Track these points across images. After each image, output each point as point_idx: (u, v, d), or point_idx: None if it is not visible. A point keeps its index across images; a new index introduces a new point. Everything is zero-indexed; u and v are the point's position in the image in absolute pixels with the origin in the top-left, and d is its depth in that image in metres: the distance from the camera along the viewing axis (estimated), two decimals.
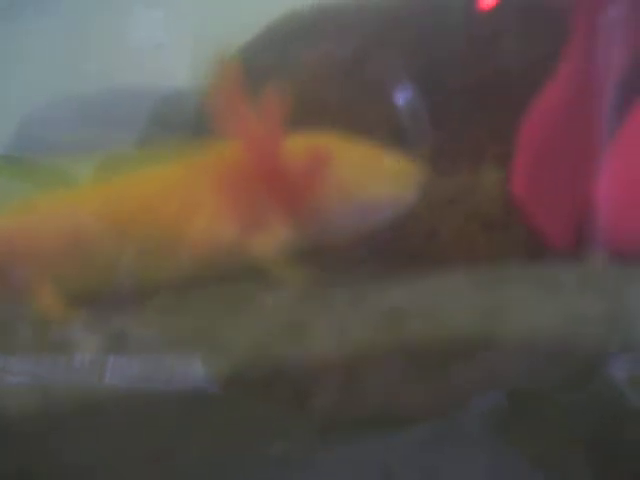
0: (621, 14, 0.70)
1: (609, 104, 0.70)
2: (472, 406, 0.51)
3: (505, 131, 0.76)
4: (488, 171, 0.76)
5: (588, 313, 0.51)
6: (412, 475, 0.49)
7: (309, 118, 0.78)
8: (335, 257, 0.69)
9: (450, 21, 0.81)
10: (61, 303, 0.58)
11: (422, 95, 0.78)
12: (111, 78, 1.08)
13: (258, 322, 0.52)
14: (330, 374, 0.47)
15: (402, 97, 0.79)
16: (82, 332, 0.52)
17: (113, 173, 0.63)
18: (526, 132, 0.73)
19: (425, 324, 0.49)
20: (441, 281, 0.60)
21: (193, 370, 0.46)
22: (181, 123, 0.88)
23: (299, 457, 0.46)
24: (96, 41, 1.07)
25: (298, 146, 0.64)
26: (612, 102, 0.70)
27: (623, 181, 0.69)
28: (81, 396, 0.45)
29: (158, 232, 0.60)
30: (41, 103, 1.05)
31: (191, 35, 1.08)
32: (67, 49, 1.06)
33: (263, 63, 0.82)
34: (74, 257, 0.59)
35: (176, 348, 0.49)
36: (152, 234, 0.60)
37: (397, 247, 0.75)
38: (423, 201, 0.76)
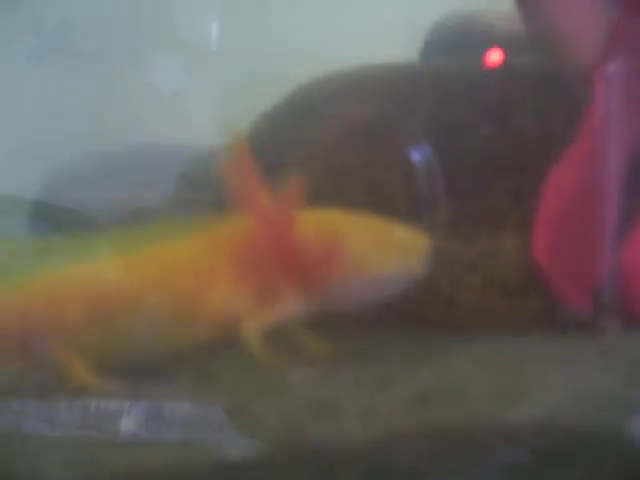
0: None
1: (629, 171, 0.72)
2: None
3: (525, 196, 0.78)
4: (508, 237, 0.78)
5: (606, 392, 0.53)
6: None
7: (331, 183, 0.81)
8: (355, 324, 0.71)
9: (468, 86, 0.84)
10: (95, 374, 0.60)
11: (441, 160, 0.80)
12: (130, 127, 1.11)
13: (289, 401, 0.54)
14: (358, 455, 0.48)
15: (420, 162, 0.81)
16: (121, 404, 0.54)
17: (132, 245, 0.66)
18: (546, 198, 0.75)
19: (448, 409, 0.51)
20: (463, 360, 0.61)
21: (226, 446, 0.48)
22: (211, 183, 0.91)
23: None
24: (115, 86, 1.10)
25: (310, 224, 0.67)
26: (632, 169, 0.72)
27: None
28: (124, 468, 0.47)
29: (175, 303, 0.63)
30: (68, 158, 1.08)
31: (214, 85, 1.11)
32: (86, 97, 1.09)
33: (286, 129, 0.85)
34: (95, 328, 0.62)
35: (210, 425, 0.51)
36: (170, 305, 0.63)
37: (417, 313, 0.77)
38: (443, 267, 0.79)
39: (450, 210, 0.80)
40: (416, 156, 0.82)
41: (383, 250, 0.67)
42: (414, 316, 0.77)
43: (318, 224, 0.67)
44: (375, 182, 0.81)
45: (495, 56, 0.90)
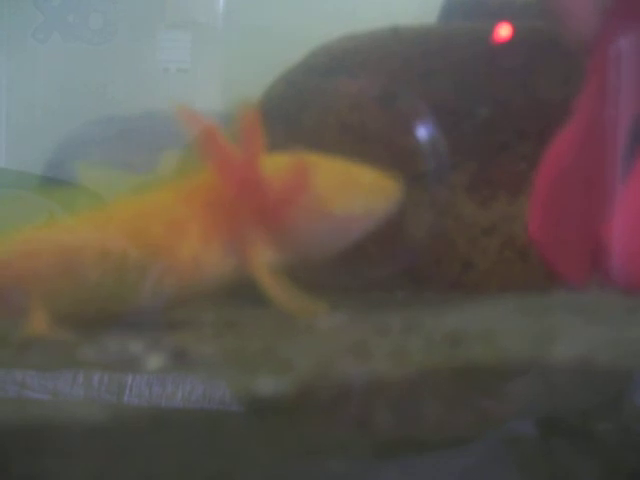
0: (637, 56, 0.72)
1: (622, 146, 0.72)
2: (505, 431, 0.52)
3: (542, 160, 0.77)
4: (525, 201, 0.78)
5: (629, 339, 0.53)
6: None
7: (347, 146, 0.81)
8: (369, 283, 0.71)
9: (487, 49, 0.84)
10: (49, 323, 0.61)
11: (460, 123, 0.80)
12: (135, 100, 1.10)
13: (318, 343, 0.54)
14: (391, 394, 0.48)
15: (435, 126, 0.81)
16: (143, 350, 0.53)
17: (108, 199, 0.68)
18: (541, 173, 0.74)
19: (482, 348, 0.50)
20: (489, 308, 0.61)
21: (256, 388, 0.47)
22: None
23: (358, 474, 0.47)
24: (121, 63, 1.09)
25: (276, 165, 0.67)
26: (625, 144, 0.72)
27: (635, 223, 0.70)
28: (147, 413, 0.47)
29: (147, 255, 0.64)
30: (77, 123, 1.07)
31: (220, 61, 1.10)
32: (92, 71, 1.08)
33: (302, 93, 0.84)
34: (68, 279, 0.63)
35: (238, 367, 0.51)
36: (142, 257, 0.63)
37: (434, 276, 0.77)
38: (460, 230, 0.78)
39: (467, 174, 0.80)
40: (432, 120, 0.82)
41: (348, 190, 0.68)
42: (431, 279, 0.77)
43: (285, 165, 0.67)
44: (390, 144, 0.81)
45: (506, 28, 0.90)
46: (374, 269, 0.75)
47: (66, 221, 0.67)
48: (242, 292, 0.65)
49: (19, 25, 1.08)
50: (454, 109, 0.81)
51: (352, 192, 0.67)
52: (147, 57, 1.10)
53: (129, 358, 0.52)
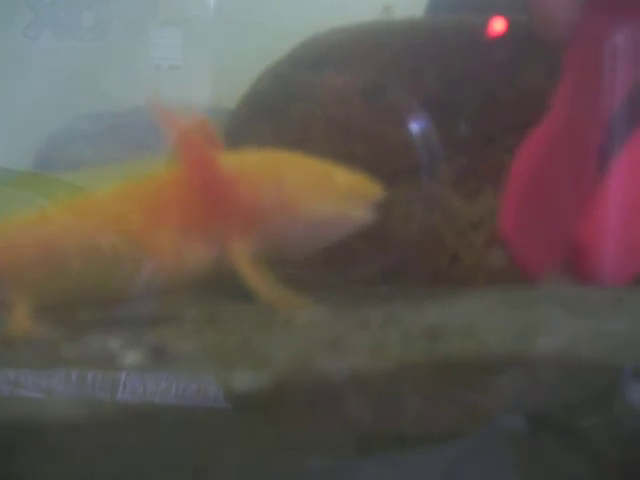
0: (615, 52, 0.71)
1: (599, 143, 0.71)
2: (494, 426, 0.52)
3: None
4: None
5: (614, 331, 0.53)
6: None
7: (334, 139, 0.80)
8: (355, 278, 0.70)
9: (472, 42, 0.84)
10: (32, 318, 0.61)
11: (446, 116, 0.80)
12: (127, 97, 1.10)
13: (296, 338, 0.54)
14: (369, 389, 0.48)
15: (420, 119, 0.81)
16: (121, 346, 0.53)
17: (87, 189, 0.68)
18: (515, 168, 0.74)
19: (462, 342, 0.50)
20: (472, 301, 0.61)
21: (234, 383, 0.47)
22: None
23: (337, 470, 0.47)
24: (114, 60, 1.09)
25: (248, 165, 0.67)
26: (601, 141, 0.71)
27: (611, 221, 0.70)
28: (125, 409, 0.46)
29: (126, 244, 0.64)
30: (68, 118, 1.07)
31: (207, 57, 1.10)
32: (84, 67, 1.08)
33: (288, 86, 0.84)
34: (47, 269, 0.63)
35: (216, 362, 0.50)
36: (121, 245, 0.64)
37: (419, 269, 0.77)
38: (446, 224, 0.78)
39: (454, 167, 0.80)
40: (417, 113, 0.81)
41: (321, 191, 0.67)
42: (418, 273, 0.77)
43: (257, 164, 0.67)
44: (376, 138, 0.81)
45: (499, 21, 0.89)
46: (360, 264, 0.75)
47: (46, 211, 0.67)
48: (224, 286, 0.64)
49: (9, 22, 1.08)
50: (440, 102, 0.80)
51: (325, 193, 0.66)
52: (139, 54, 1.10)
53: (108, 355, 0.52)
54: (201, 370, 0.48)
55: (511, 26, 0.87)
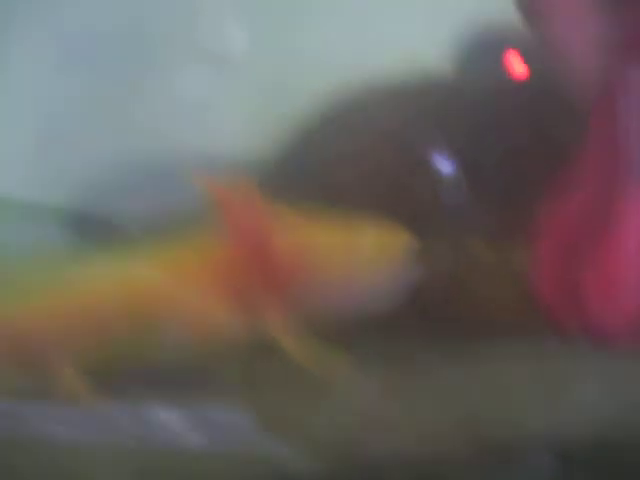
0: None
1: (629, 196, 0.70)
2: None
3: None
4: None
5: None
6: None
7: (365, 195, 0.83)
8: (378, 323, 0.72)
9: (500, 97, 0.85)
10: (84, 383, 0.64)
11: (477, 170, 0.82)
12: (154, 138, 1.12)
13: (341, 413, 0.56)
14: (413, 467, 0.50)
15: (450, 176, 0.83)
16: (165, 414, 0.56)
17: (127, 258, 0.71)
18: (547, 228, 0.74)
19: (498, 424, 0.52)
20: (506, 368, 0.63)
21: (280, 458, 0.49)
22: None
23: None
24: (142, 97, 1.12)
25: (278, 229, 0.69)
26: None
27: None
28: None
29: (162, 313, 0.66)
30: (106, 166, 1.10)
31: (239, 95, 1.13)
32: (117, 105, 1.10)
33: (323, 133, 0.87)
34: (91, 337, 0.66)
35: (263, 435, 0.53)
36: (156, 315, 0.66)
37: (444, 314, 0.79)
38: (471, 271, 0.80)
39: (485, 220, 0.82)
40: (446, 167, 0.83)
41: (354, 253, 0.68)
42: (447, 322, 0.79)
43: (287, 228, 0.69)
44: (407, 192, 0.83)
45: (520, 68, 0.91)
46: (394, 315, 0.77)
47: (91, 279, 0.69)
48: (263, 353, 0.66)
49: (35, 58, 1.11)
50: (469, 156, 0.83)
51: (359, 254, 0.67)
52: (170, 91, 1.12)
53: (163, 430, 0.54)
54: (248, 445, 0.50)
55: (537, 75, 0.89)
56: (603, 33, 0.72)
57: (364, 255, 0.68)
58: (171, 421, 0.56)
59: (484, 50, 1.01)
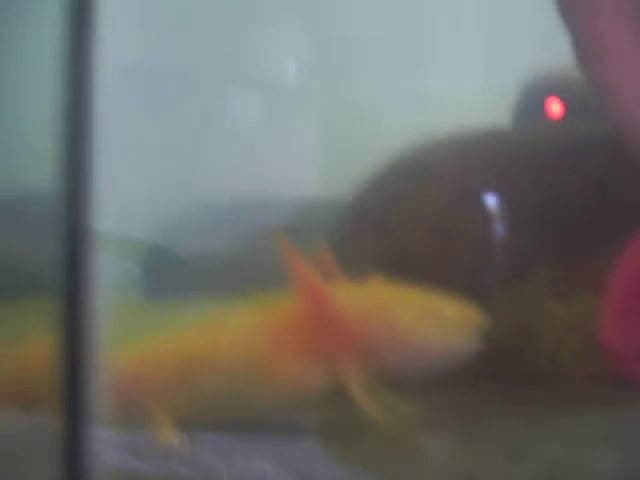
0: None
1: None
2: None
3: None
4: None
5: None
6: None
7: (436, 249, 0.86)
8: (453, 381, 0.75)
9: (565, 150, 0.88)
10: (175, 430, 0.69)
11: (543, 223, 0.85)
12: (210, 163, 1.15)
13: (431, 473, 0.59)
14: None
15: (518, 229, 0.86)
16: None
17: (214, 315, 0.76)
18: (616, 278, 0.76)
19: (573, 474, 0.55)
20: (582, 427, 0.65)
21: None
22: (315, 234, 0.96)
23: None
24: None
25: (360, 295, 0.74)
26: None
27: None
28: None
29: (249, 369, 0.72)
30: (178, 211, 1.14)
31: (294, 124, 1.15)
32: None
33: (390, 197, 0.90)
34: (184, 386, 0.72)
35: None
36: (244, 371, 0.72)
37: (519, 369, 0.82)
38: (546, 326, 0.83)
39: (550, 273, 0.85)
40: (514, 221, 0.86)
41: (429, 324, 0.72)
42: (516, 374, 0.81)
43: (369, 295, 0.73)
44: (476, 244, 0.86)
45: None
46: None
47: (183, 333, 0.75)
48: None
49: None
50: (536, 210, 0.86)
51: (433, 325, 0.72)
52: (219, 119, 1.16)
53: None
54: None
55: (603, 130, 0.91)
56: None
57: (442, 325, 0.72)
58: (264, 470, 0.59)
59: (542, 100, 1.04)
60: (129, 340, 0.72)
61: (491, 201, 0.87)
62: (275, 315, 0.74)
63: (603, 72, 0.73)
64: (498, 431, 0.66)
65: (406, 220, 0.88)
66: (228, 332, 0.74)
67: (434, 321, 0.72)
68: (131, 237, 1.03)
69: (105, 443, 0.58)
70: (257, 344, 0.72)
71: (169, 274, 1.05)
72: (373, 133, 1.11)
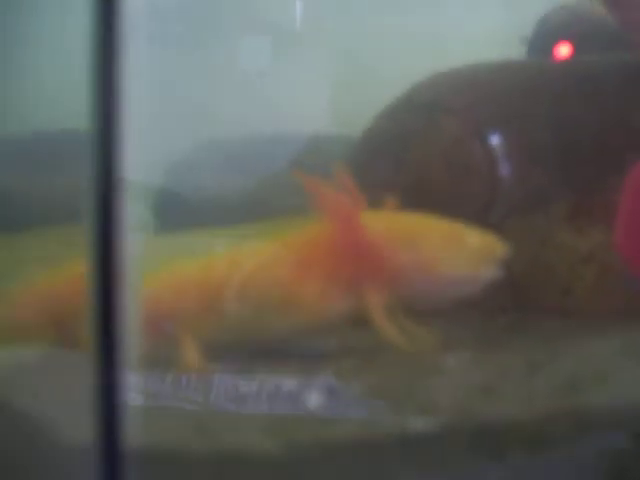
0: None
1: None
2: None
3: None
4: None
5: None
6: None
7: (451, 182, 0.87)
8: (470, 311, 0.77)
9: (581, 81, 0.88)
10: (201, 355, 0.70)
11: (560, 155, 0.85)
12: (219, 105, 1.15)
13: (451, 383, 0.61)
14: (519, 432, 0.55)
15: (532, 162, 0.86)
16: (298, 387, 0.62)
17: (239, 242, 0.77)
18: (629, 182, 0.76)
19: (598, 394, 0.57)
20: (600, 346, 0.67)
21: (401, 423, 0.55)
22: (323, 168, 0.96)
23: None
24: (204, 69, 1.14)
25: (388, 224, 0.74)
26: None
27: None
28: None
29: (274, 294, 0.72)
30: (188, 147, 1.14)
31: (298, 65, 1.15)
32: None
33: (405, 130, 0.91)
34: (209, 313, 0.72)
35: (382, 404, 0.58)
36: (269, 296, 0.72)
37: (533, 301, 0.83)
38: (559, 258, 0.84)
39: (565, 204, 0.85)
40: (530, 153, 0.87)
41: (453, 253, 0.73)
42: (529, 304, 0.83)
43: (395, 225, 0.74)
44: (491, 178, 0.87)
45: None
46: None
47: (210, 259, 0.76)
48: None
49: None
50: (552, 142, 0.86)
51: (458, 254, 0.73)
52: (227, 62, 1.15)
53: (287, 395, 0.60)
54: (373, 411, 0.56)
55: (620, 63, 0.91)
56: None
57: (465, 256, 0.73)
58: (292, 387, 0.61)
59: (555, 36, 1.03)
60: (155, 269, 0.73)
61: (505, 133, 0.87)
62: (298, 240, 0.75)
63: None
64: (516, 348, 0.68)
65: (420, 153, 0.88)
66: (252, 257, 0.74)
67: (458, 249, 0.73)
68: (144, 182, 1.03)
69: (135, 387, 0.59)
70: (280, 268, 0.73)
71: (181, 217, 1.05)
72: (384, 70, 1.11)
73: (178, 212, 1.05)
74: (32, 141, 1.10)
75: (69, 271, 0.72)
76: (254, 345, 0.72)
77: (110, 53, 0.55)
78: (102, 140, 0.54)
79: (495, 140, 0.87)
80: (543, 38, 1.05)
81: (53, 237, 0.77)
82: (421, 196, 0.86)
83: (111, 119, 0.54)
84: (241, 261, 0.74)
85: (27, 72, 1.06)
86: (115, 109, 0.55)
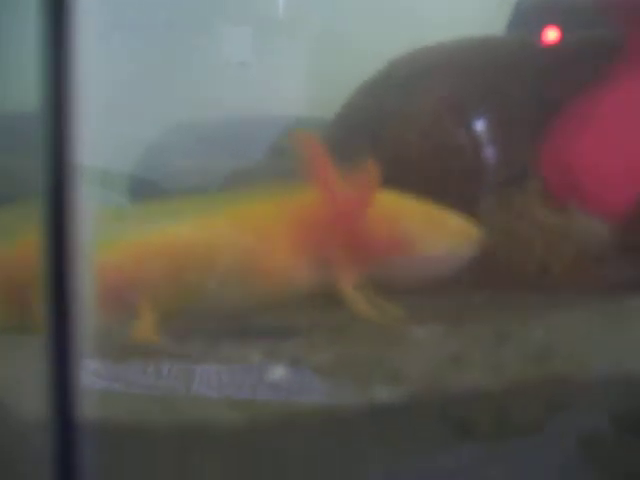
0: None
1: None
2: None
3: None
4: None
5: None
6: None
7: (427, 158, 0.86)
8: (447, 287, 0.76)
9: (560, 59, 0.87)
10: (156, 328, 0.68)
11: (537, 133, 0.84)
12: (200, 95, 1.14)
13: (420, 354, 0.60)
14: (487, 402, 0.54)
15: (510, 138, 0.85)
16: (260, 357, 0.60)
17: (207, 209, 0.75)
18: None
19: (567, 363, 0.56)
20: (571, 317, 0.66)
21: (368, 394, 0.54)
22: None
23: (463, 468, 0.54)
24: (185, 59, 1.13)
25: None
26: None
27: None
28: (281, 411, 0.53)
29: (241, 262, 0.70)
30: (162, 129, 1.13)
31: (281, 54, 1.14)
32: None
33: (382, 105, 0.89)
34: (171, 283, 0.70)
35: (349, 375, 0.57)
36: (236, 264, 0.70)
37: (510, 277, 0.82)
38: (537, 235, 0.83)
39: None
40: (507, 130, 0.86)
41: (433, 232, 0.73)
42: (507, 280, 0.82)
43: (378, 205, 0.73)
44: (468, 154, 0.86)
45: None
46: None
47: (174, 228, 0.74)
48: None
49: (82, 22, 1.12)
50: (529, 119, 0.85)
51: (437, 234, 0.73)
52: (209, 52, 1.14)
53: (251, 368, 0.59)
54: (340, 382, 0.54)
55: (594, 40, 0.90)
56: None
57: (445, 235, 0.73)
58: (257, 360, 0.60)
59: (546, 12, 1.02)
60: (115, 238, 0.71)
61: (483, 109, 0.86)
62: (265, 209, 0.73)
63: None
64: (487, 320, 0.67)
65: (398, 130, 0.87)
66: (217, 226, 0.73)
67: (438, 230, 0.73)
68: (114, 169, 1.02)
69: (92, 372, 0.58)
70: (246, 237, 0.71)
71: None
72: (362, 54, 1.10)
73: (152, 197, 1.03)
74: None
75: (23, 243, 0.71)
76: (219, 320, 0.70)
77: (60, 37, 0.53)
78: (53, 122, 0.53)
79: (473, 116, 0.86)
80: (523, 14, 1.03)
81: (8, 212, 0.76)
82: (398, 173, 0.84)
83: (61, 101, 0.53)
84: (205, 228, 0.72)
85: None
86: (66, 91, 0.54)
